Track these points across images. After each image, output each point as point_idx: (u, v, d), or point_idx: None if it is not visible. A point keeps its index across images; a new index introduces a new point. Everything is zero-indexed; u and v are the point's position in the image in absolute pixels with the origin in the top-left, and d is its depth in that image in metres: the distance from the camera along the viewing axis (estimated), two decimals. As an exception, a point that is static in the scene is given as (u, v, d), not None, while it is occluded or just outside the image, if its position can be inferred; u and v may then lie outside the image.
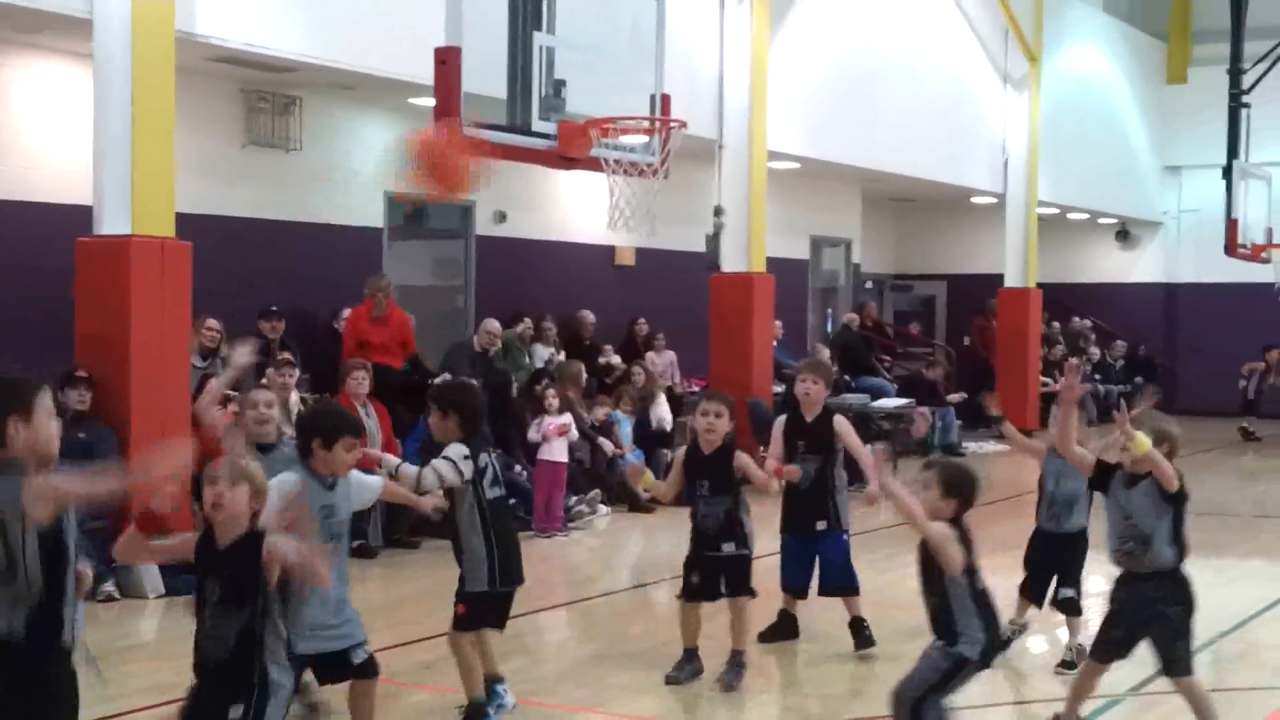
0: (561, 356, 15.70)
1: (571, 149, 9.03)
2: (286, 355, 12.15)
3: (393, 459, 6.82)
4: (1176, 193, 27.22)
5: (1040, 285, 22.54)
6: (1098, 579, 7.80)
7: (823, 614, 8.60)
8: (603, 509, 13.56)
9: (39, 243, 11.41)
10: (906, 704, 5.59)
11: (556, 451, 12.56)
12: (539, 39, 8.88)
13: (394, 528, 11.72)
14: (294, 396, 11.45)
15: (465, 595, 6.70)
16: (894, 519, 7.35)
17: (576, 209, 16.82)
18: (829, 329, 21.89)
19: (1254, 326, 25.29)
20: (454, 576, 6.77)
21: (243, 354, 6.91)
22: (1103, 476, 6.35)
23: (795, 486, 8.22)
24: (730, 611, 7.62)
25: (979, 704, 6.83)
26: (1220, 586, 10.52)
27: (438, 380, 13.49)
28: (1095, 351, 25.43)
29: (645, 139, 9.67)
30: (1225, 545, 11.14)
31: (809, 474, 8.26)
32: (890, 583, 10.10)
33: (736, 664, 7.57)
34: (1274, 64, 22.46)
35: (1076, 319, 25.81)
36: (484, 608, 6.71)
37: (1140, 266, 27.56)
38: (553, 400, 12.77)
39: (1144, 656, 6.39)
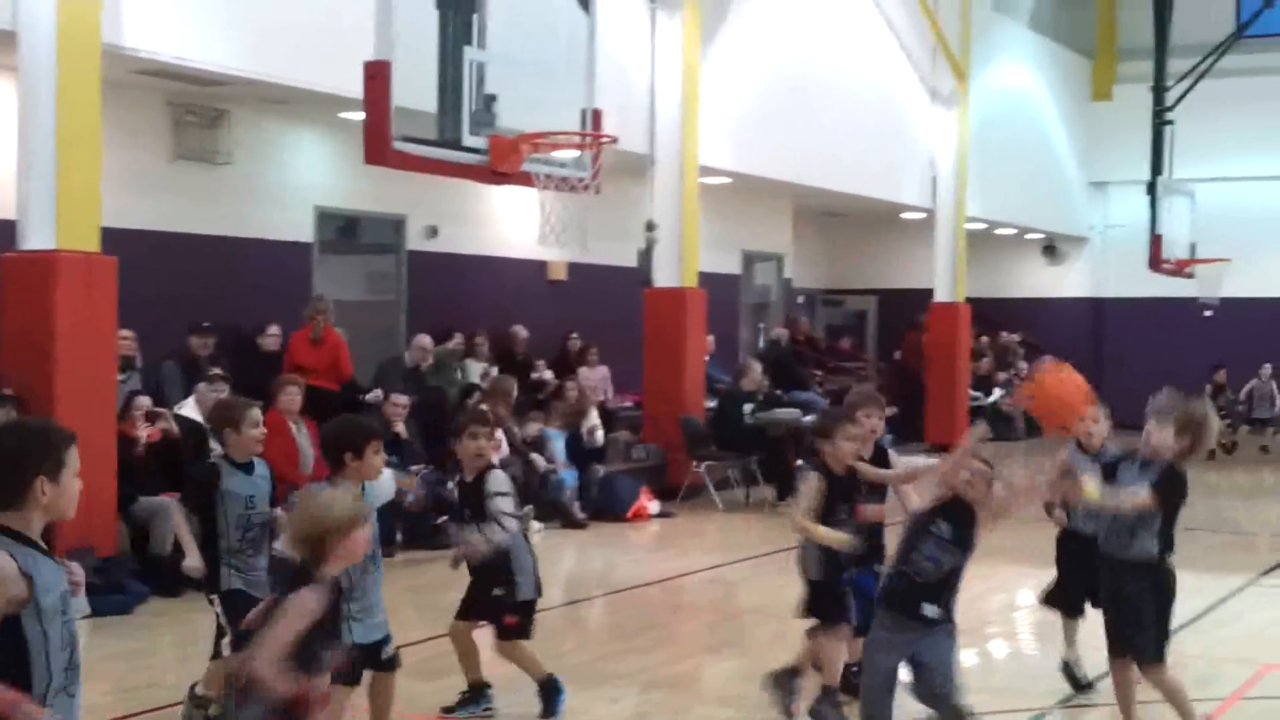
0: (494, 372, 15.66)
1: (503, 164, 9.02)
2: (218, 370, 12.04)
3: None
4: (1102, 208, 27.58)
5: (969, 300, 22.75)
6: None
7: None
8: (536, 525, 13.50)
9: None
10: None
11: (488, 467, 12.48)
12: (469, 54, 8.86)
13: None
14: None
15: (515, 605, 7.18)
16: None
17: (509, 224, 16.79)
18: (760, 344, 21.97)
19: (1179, 340, 25.70)
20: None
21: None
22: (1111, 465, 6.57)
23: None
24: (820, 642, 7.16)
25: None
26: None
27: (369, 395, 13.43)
28: (1024, 366, 25.67)
29: (577, 154, 9.68)
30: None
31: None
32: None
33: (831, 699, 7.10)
34: (1197, 81, 22.81)
35: (1005, 333, 26.07)
36: (530, 613, 7.25)
37: (1067, 281, 27.90)
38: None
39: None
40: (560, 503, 14.01)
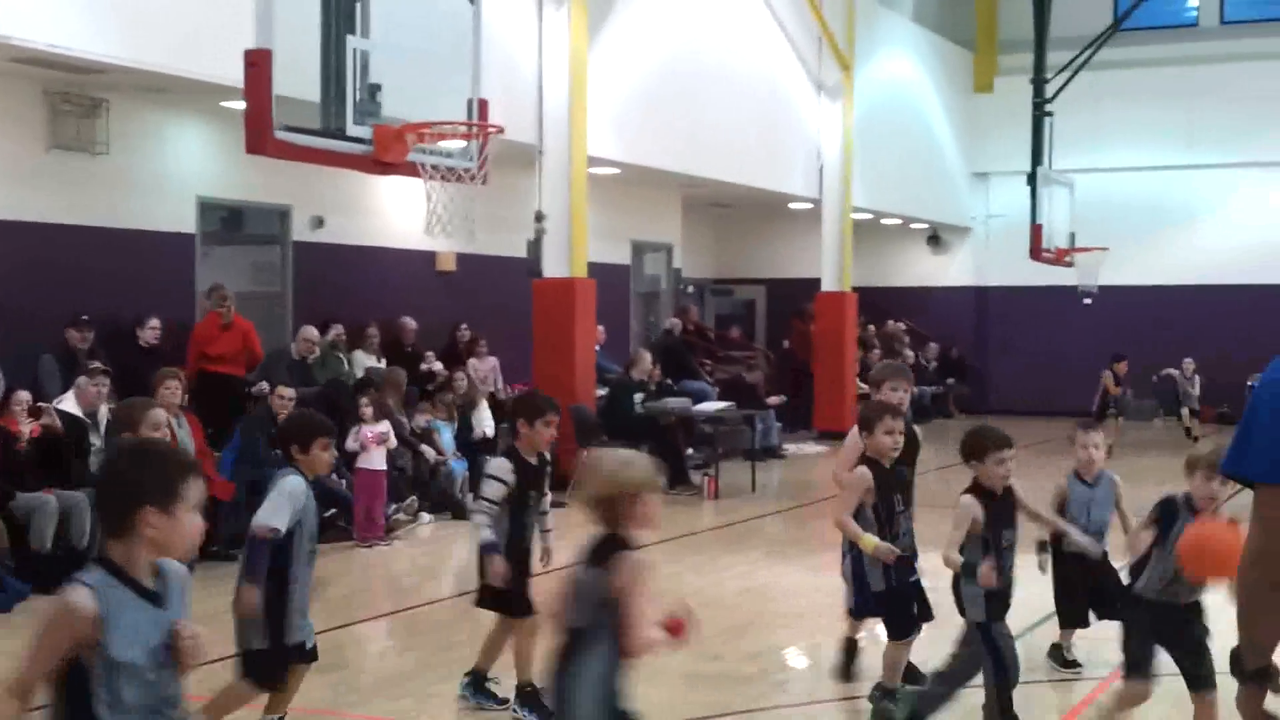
0: (383, 364, 15.54)
1: (387, 154, 8.95)
2: (98, 364, 11.83)
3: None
4: (984, 199, 28.02)
5: (856, 289, 22.99)
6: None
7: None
8: (425, 517, 13.45)
9: None
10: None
11: (375, 460, 12.43)
12: (353, 42, 8.78)
13: (212, 539, 11.46)
14: (103, 409, 11.14)
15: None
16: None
17: (396, 214, 16.67)
18: (652, 336, 22.03)
19: (1059, 327, 26.23)
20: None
21: None
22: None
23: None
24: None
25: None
26: (1040, 580, 10.86)
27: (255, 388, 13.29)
28: (909, 354, 26.04)
29: (463, 144, 9.63)
30: (1034, 539, 11.47)
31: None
32: (713, 584, 10.21)
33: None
34: (1075, 74, 23.25)
35: (891, 322, 26.40)
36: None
37: (951, 270, 28.32)
38: (366, 409, 12.63)
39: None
40: (450, 494, 13.95)
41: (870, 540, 6.65)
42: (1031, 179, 22.89)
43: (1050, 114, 23.30)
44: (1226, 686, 4.44)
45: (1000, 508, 6.31)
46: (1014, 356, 27.26)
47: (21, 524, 10.07)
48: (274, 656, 6.16)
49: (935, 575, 6.82)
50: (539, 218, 15.66)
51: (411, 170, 9.28)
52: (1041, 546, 7.42)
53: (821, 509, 15.36)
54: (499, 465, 7.08)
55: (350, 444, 12.47)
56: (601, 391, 16.79)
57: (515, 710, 7.07)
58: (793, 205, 23.28)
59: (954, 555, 6.26)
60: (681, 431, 16.72)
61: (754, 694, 7.64)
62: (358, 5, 8.90)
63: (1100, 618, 7.76)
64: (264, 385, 13.13)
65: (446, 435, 14.35)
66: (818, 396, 22.30)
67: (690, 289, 25.06)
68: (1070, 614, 7.95)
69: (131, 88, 12.87)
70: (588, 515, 4.45)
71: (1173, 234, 26.06)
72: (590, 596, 4.34)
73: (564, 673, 4.38)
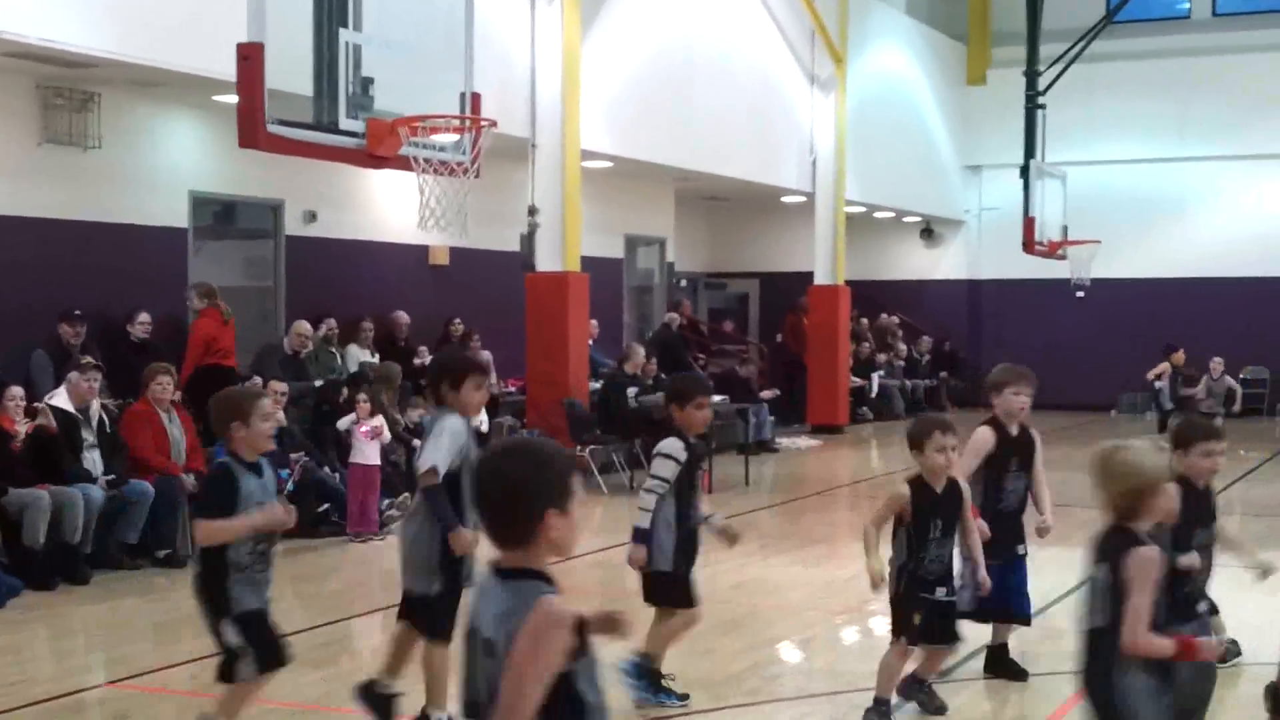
0: (376, 358, 15.52)
1: (380, 148, 8.95)
2: (89, 359, 11.79)
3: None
4: (977, 191, 28.03)
5: (849, 282, 23.00)
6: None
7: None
8: (419, 511, 13.42)
9: None
10: None
11: (369, 454, 12.41)
12: (345, 35, 8.77)
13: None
14: (95, 404, 11.11)
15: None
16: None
17: (389, 208, 16.63)
18: (648, 332, 22.01)
19: (1053, 320, 26.25)
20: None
21: None
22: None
23: (1000, 508, 7.52)
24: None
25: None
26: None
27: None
28: (903, 347, 26.07)
29: (456, 138, 9.61)
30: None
31: (1019, 493, 7.65)
32: (706, 578, 10.19)
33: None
34: (1068, 66, 23.26)
35: (884, 315, 26.42)
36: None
37: (944, 263, 28.33)
38: (364, 404, 12.61)
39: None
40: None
41: (872, 564, 6.52)
42: (1024, 172, 22.92)
43: (1043, 107, 23.32)
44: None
45: (1199, 502, 6.01)
46: (1007, 349, 27.15)
47: (14, 520, 10.05)
48: (447, 603, 6.16)
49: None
50: (532, 211, 15.64)
51: (404, 164, 9.27)
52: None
53: (813, 503, 15.38)
54: (671, 444, 6.96)
55: (343, 424, 12.47)
56: (595, 385, 16.79)
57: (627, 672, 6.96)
58: (786, 199, 23.28)
59: (1187, 558, 5.82)
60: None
61: (748, 689, 7.64)
62: (350, -1, 8.88)
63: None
64: (256, 380, 13.11)
65: (440, 430, 14.31)
66: (811, 390, 22.31)
67: (684, 283, 25.04)
68: None
69: (123, 82, 12.84)
70: (1103, 506, 4.46)
71: (1165, 226, 26.08)
72: (1105, 594, 4.36)
73: (1103, 682, 4.35)
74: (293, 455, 12.22)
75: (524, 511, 3.26)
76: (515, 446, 3.43)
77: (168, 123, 14.15)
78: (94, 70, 12.17)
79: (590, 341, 17.15)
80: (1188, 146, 25.69)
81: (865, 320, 25.36)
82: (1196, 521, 5.96)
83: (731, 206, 25.92)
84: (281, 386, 12.52)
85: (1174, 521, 5.35)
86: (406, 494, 13.34)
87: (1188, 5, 27.09)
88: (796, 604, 9.85)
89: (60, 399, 11.09)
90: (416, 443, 13.87)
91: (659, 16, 18.14)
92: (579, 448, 15.77)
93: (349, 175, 14.74)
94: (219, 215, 15.51)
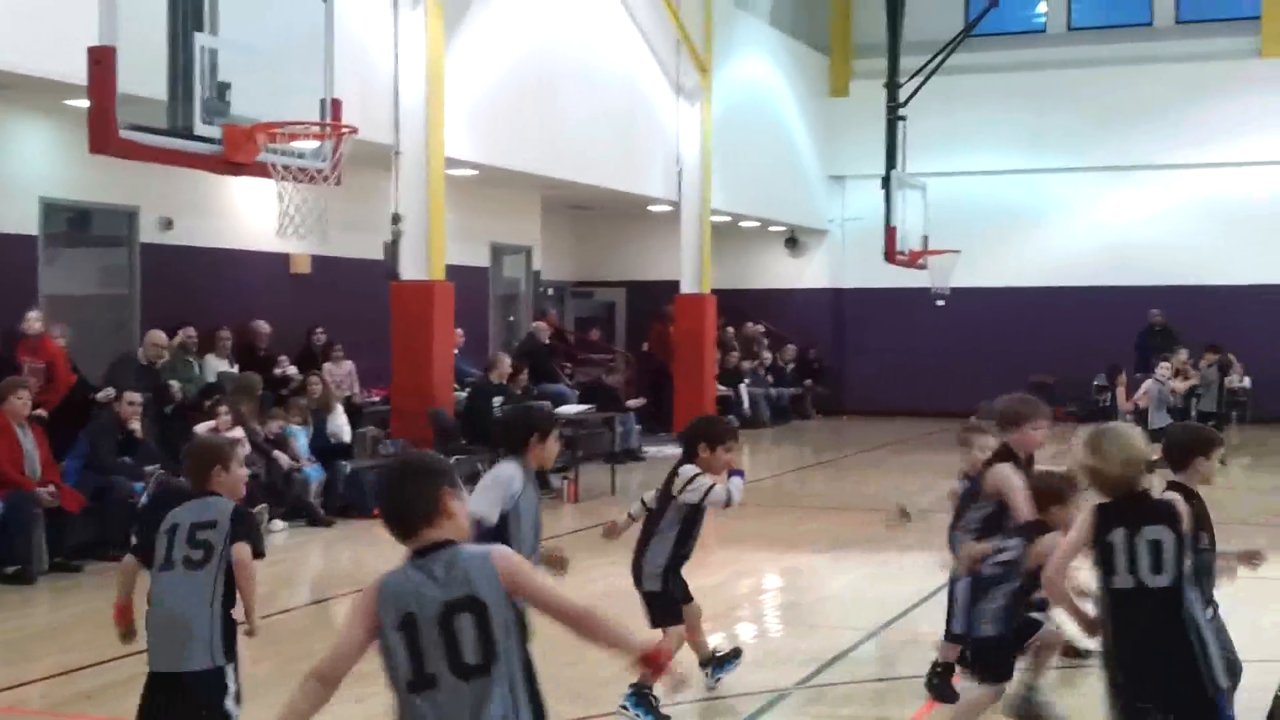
0: (235, 369, 15.24)
1: (237, 154, 8.78)
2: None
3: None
4: (841, 201, 28.36)
5: (715, 291, 23.11)
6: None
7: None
8: (278, 524, 13.21)
9: None
10: None
11: (229, 466, 12.15)
12: (200, 39, 8.60)
13: (56, 550, 11.16)
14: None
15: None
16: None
17: (248, 216, 16.35)
18: (515, 341, 21.91)
19: (913, 328, 26.65)
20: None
21: None
22: None
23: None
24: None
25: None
26: (884, 579, 11.01)
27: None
28: (768, 355, 26.28)
29: (316, 144, 9.48)
30: (886, 540, 11.65)
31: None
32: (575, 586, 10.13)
33: None
34: (928, 78, 23.62)
35: (750, 324, 26.60)
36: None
37: (809, 272, 28.62)
38: (226, 415, 12.38)
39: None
40: (305, 500, 13.73)
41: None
42: (886, 182, 23.20)
43: (903, 118, 23.64)
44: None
45: (1201, 510, 5.73)
46: (869, 357, 27.63)
47: None
48: None
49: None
50: (396, 219, 15.48)
51: (262, 171, 9.11)
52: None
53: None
54: (704, 481, 7.04)
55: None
56: (461, 395, 16.66)
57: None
58: (652, 207, 23.34)
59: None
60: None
61: (611, 696, 7.61)
62: (206, 2, 8.71)
63: None
64: (110, 391, 12.79)
65: (301, 441, 14.12)
66: (677, 399, 22.38)
67: (550, 291, 24.99)
68: None
69: (-31, 84, 12.45)
70: (1094, 488, 5.05)
71: (1022, 236, 26.64)
72: (1174, 550, 5.00)
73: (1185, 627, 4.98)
74: (147, 468, 11.96)
75: (428, 496, 3.88)
76: (406, 462, 4.07)
77: (17, 127, 13.76)
78: (-62, 72, 11.77)
79: (455, 351, 17.03)
80: (1043, 158, 26.29)
81: (731, 329, 25.51)
82: (1201, 527, 5.65)
83: (598, 215, 25.92)
84: (136, 397, 12.23)
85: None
86: (265, 505, 13.12)
87: (1044, 19, 27.74)
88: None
89: (-98, 413, 10.72)
90: (277, 453, 13.67)
91: (524, 24, 18.08)
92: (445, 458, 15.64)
93: (207, 182, 14.46)
94: (72, 222, 15.11)
